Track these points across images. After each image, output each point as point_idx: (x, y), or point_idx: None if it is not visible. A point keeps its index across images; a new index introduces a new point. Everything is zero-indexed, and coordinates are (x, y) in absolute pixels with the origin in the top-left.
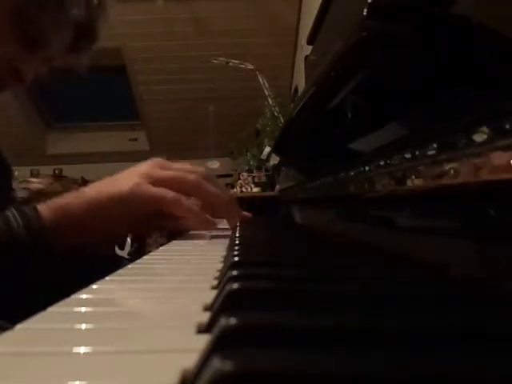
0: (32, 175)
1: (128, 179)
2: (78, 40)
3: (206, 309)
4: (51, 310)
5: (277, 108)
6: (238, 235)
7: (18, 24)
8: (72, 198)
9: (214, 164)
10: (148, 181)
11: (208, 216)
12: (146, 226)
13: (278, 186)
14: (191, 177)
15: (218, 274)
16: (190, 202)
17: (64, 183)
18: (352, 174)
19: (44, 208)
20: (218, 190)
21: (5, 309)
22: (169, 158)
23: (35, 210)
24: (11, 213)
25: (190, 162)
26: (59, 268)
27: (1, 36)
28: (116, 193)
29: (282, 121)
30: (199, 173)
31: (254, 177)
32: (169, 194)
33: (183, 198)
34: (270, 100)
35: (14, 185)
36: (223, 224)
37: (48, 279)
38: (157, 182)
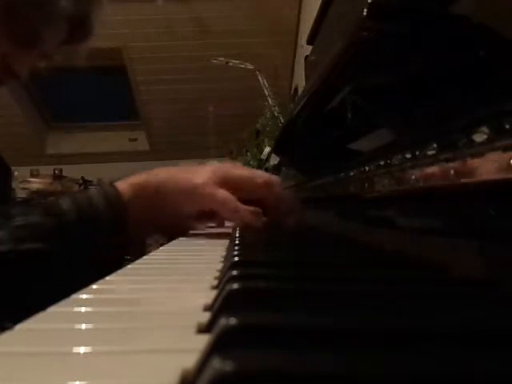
0: (32, 175)
1: (198, 174)
2: (73, 32)
3: (206, 309)
4: (51, 310)
5: (277, 108)
6: (237, 235)
7: (8, 22)
8: (146, 176)
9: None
10: (217, 178)
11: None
12: (197, 221)
13: None
14: (261, 178)
15: (218, 273)
16: (249, 213)
17: (64, 183)
18: (352, 173)
19: (125, 185)
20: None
21: (5, 309)
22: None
23: (115, 188)
24: (93, 190)
25: (190, 162)
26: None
27: None
28: (181, 185)
29: (282, 121)
30: (268, 176)
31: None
32: (232, 202)
33: (242, 208)
34: (270, 100)
35: (14, 185)
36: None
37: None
38: (224, 181)
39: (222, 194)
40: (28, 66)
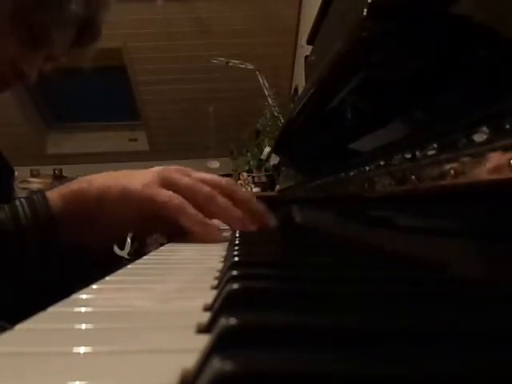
0: (32, 175)
1: (142, 176)
2: (82, 35)
3: (206, 309)
4: (51, 310)
5: (277, 108)
6: (237, 235)
7: (19, 23)
8: (85, 184)
9: (214, 164)
10: (161, 183)
11: (214, 224)
12: (147, 226)
13: (277, 186)
14: (205, 189)
15: (217, 274)
16: (194, 210)
17: (64, 183)
18: (352, 173)
19: (55, 194)
20: (228, 204)
21: (5, 309)
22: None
23: (44, 198)
24: (20, 202)
25: (190, 162)
26: (62, 264)
27: (2, 36)
28: (126, 187)
29: (282, 121)
30: (218, 184)
31: (253, 177)
32: (174, 200)
33: (188, 206)
34: (269, 100)
35: (14, 185)
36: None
37: (50, 275)
38: (169, 185)
39: (164, 194)
40: (37, 68)
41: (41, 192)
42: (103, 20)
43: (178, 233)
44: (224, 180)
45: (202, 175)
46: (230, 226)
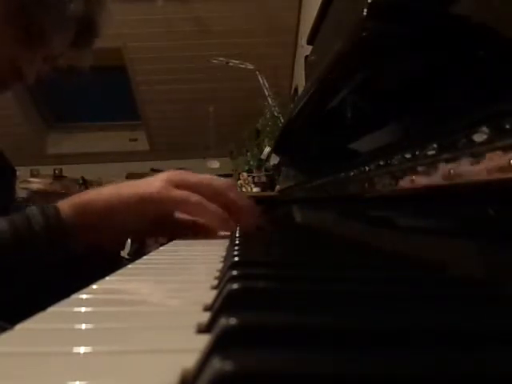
0: (32, 175)
1: (151, 182)
2: (80, 35)
3: (206, 309)
4: (51, 309)
5: (277, 108)
6: (237, 235)
7: (18, 23)
8: (94, 195)
9: (214, 164)
10: (172, 184)
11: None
12: (156, 229)
13: (278, 186)
14: (216, 183)
15: (218, 273)
16: (213, 205)
17: (64, 183)
18: (352, 173)
19: (65, 205)
20: (216, 209)
21: (5, 309)
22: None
23: (55, 208)
24: (31, 211)
25: (190, 162)
26: (75, 267)
27: (1, 36)
28: (138, 193)
29: (282, 121)
30: (221, 181)
31: (253, 177)
32: (192, 197)
33: (207, 202)
34: (269, 100)
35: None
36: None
37: (61, 279)
38: (180, 185)
39: (181, 193)
40: (35, 69)
41: (51, 204)
42: (103, 20)
43: (178, 233)
44: (222, 181)
45: (202, 176)
46: (238, 216)
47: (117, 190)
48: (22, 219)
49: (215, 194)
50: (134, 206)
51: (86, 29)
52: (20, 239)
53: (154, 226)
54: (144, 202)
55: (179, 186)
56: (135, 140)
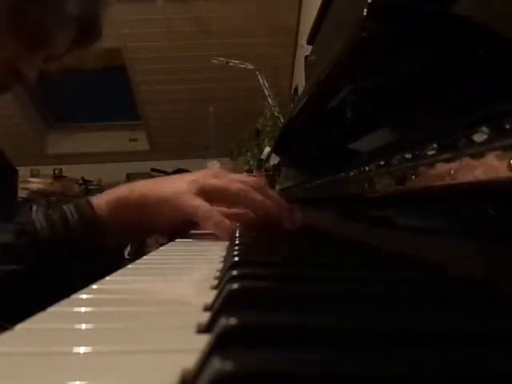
0: (32, 175)
1: (177, 184)
2: (82, 35)
3: (206, 309)
4: (51, 310)
5: (277, 108)
6: (237, 235)
7: (17, 23)
8: (126, 191)
9: (214, 164)
10: (194, 188)
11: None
12: (177, 230)
13: (278, 186)
14: (235, 186)
15: (218, 273)
16: (221, 217)
17: (64, 183)
18: (352, 173)
19: (101, 201)
20: (265, 198)
21: (5, 309)
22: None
23: (90, 205)
24: (67, 207)
25: (190, 162)
26: (107, 262)
27: (2, 37)
28: (161, 194)
29: (282, 121)
30: (247, 182)
31: (254, 177)
32: (203, 208)
33: (215, 214)
34: (269, 100)
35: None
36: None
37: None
38: (201, 190)
39: (195, 202)
40: (37, 69)
41: (86, 198)
42: (104, 20)
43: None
44: (253, 179)
45: (235, 176)
46: (268, 218)
47: (147, 187)
48: (59, 216)
49: (236, 196)
50: (157, 206)
51: (88, 28)
52: (57, 237)
53: (185, 224)
54: (163, 205)
55: (201, 190)
56: (135, 140)
